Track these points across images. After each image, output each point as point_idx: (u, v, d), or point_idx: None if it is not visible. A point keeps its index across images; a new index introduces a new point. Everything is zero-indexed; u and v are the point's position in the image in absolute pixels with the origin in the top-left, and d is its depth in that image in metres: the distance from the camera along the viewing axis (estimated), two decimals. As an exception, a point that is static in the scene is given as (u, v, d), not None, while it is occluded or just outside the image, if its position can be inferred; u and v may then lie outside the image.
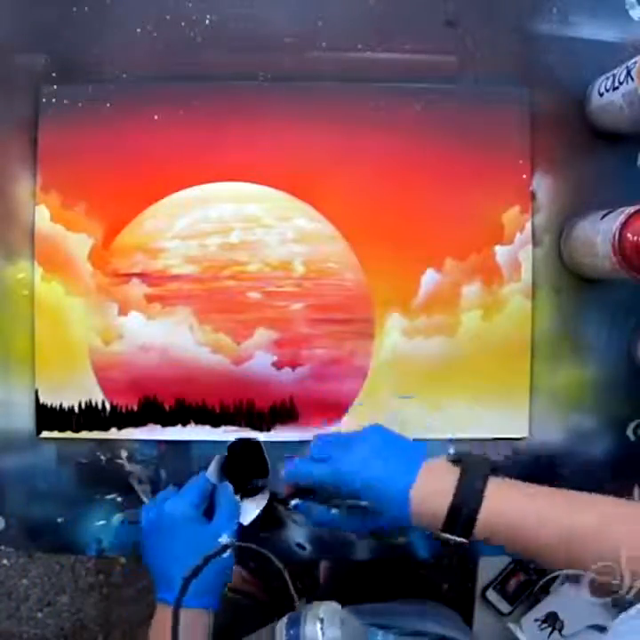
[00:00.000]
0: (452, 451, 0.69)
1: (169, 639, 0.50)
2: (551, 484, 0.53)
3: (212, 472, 0.62)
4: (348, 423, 0.69)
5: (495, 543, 0.50)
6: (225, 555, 0.55)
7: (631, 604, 0.43)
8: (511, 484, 0.52)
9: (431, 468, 0.52)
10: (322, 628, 0.44)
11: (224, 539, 0.57)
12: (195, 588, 0.52)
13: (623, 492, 0.70)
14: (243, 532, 0.60)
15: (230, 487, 0.61)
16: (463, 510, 0.49)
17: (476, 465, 0.52)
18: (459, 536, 0.50)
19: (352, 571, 0.90)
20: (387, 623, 0.61)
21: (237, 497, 0.62)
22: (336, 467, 0.53)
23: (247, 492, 0.63)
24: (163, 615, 0.56)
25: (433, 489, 0.51)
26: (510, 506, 0.50)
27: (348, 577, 0.91)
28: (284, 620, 0.47)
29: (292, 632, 0.45)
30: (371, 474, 0.52)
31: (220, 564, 0.56)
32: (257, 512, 0.62)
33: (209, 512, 0.60)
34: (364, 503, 0.53)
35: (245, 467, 0.63)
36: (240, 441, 0.64)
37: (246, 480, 0.63)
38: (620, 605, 0.45)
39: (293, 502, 0.58)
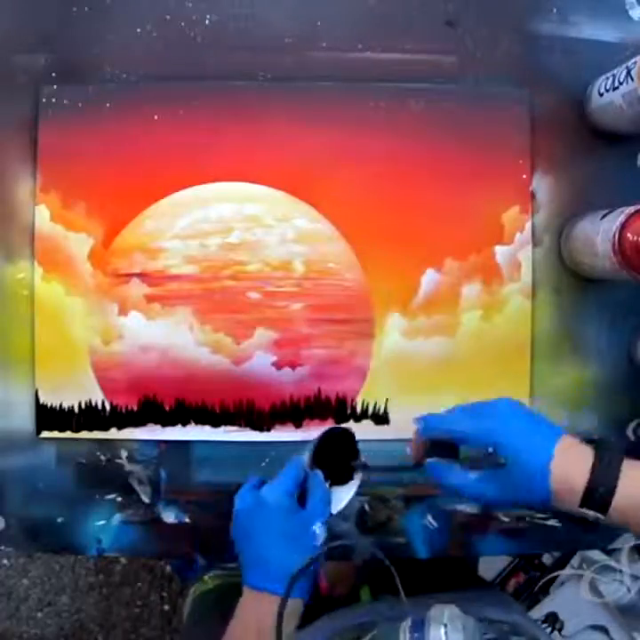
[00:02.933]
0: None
1: (259, 625, 0.51)
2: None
3: (305, 459, 0.62)
4: (348, 424, 0.69)
5: (626, 523, 0.50)
6: (315, 545, 0.56)
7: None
8: None
9: (568, 444, 0.51)
10: (446, 633, 0.45)
11: (317, 527, 0.57)
12: (287, 578, 0.52)
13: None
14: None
15: (322, 476, 0.60)
16: (599, 489, 0.49)
17: (611, 445, 0.51)
18: (595, 511, 0.49)
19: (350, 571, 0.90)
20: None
21: (327, 484, 0.61)
22: (481, 423, 0.52)
23: (336, 480, 0.62)
24: (252, 601, 0.56)
25: (571, 464, 0.50)
26: None
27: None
28: (408, 622, 0.47)
29: (416, 636, 0.45)
30: (515, 433, 0.51)
31: (310, 555, 0.56)
32: (346, 501, 0.61)
33: (301, 499, 0.60)
34: (501, 461, 0.51)
35: (336, 455, 0.62)
36: (333, 429, 0.63)
37: (337, 468, 0.62)
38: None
39: (430, 460, 0.56)
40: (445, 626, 0.45)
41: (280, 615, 0.51)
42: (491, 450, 0.51)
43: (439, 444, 0.56)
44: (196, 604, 0.85)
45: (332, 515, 0.60)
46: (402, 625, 0.47)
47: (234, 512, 0.61)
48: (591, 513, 0.49)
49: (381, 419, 0.69)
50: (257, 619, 0.54)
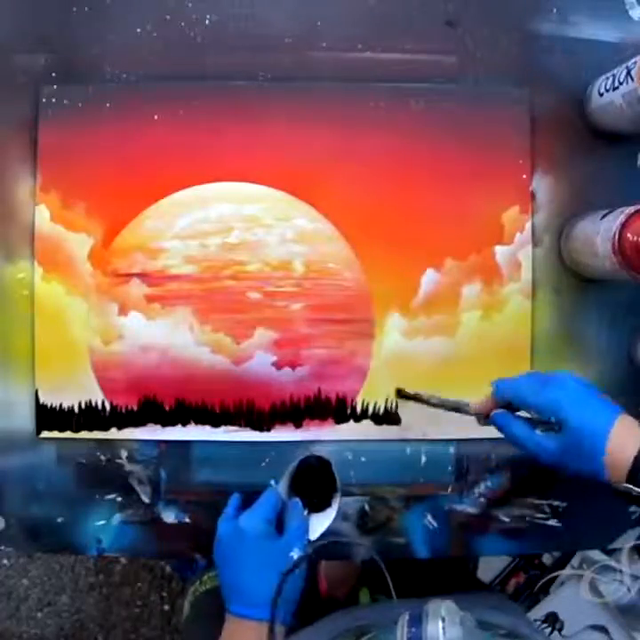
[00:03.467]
0: (452, 450, 0.69)
1: None
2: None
3: (282, 487, 0.63)
4: (348, 424, 0.69)
5: None
6: (297, 571, 0.57)
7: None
8: None
9: (626, 421, 0.53)
10: (443, 627, 0.45)
11: (295, 553, 0.59)
12: (269, 605, 0.54)
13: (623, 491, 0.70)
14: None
15: (300, 503, 0.63)
16: None
17: None
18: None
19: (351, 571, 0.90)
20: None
21: (305, 512, 0.63)
22: (550, 391, 0.54)
23: (314, 507, 0.64)
24: (236, 627, 0.58)
25: (626, 440, 0.52)
26: None
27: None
28: (405, 617, 0.47)
29: (414, 630, 0.46)
30: (579, 408, 0.53)
31: (293, 581, 0.57)
32: (324, 528, 0.63)
33: (278, 526, 0.62)
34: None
35: (313, 482, 0.64)
36: (309, 458, 0.65)
37: (314, 496, 0.64)
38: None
39: (497, 411, 0.58)
40: (443, 620, 0.45)
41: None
42: (553, 419, 0.54)
43: (507, 407, 0.58)
44: (194, 604, 0.85)
45: (310, 541, 0.61)
46: (399, 619, 0.47)
47: (215, 539, 0.62)
48: (636, 489, 0.50)
49: (382, 419, 0.69)
50: None
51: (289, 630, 0.60)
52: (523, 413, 0.58)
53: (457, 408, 0.62)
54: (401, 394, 0.68)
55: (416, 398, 0.66)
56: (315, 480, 0.64)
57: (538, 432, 0.56)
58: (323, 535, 0.63)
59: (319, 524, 0.63)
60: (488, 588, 0.99)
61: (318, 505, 0.64)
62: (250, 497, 0.65)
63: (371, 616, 0.67)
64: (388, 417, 0.69)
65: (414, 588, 0.68)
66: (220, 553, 0.61)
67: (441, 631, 0.44)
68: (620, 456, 0.51)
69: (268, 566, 0.57)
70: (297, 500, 0.63)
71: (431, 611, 0.46)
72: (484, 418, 0.60)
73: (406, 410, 0.69)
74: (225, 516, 0.64)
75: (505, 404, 0.58)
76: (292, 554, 0.58)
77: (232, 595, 0.59)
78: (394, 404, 0.69)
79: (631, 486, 0.51)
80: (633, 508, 0.70)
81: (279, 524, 0.62)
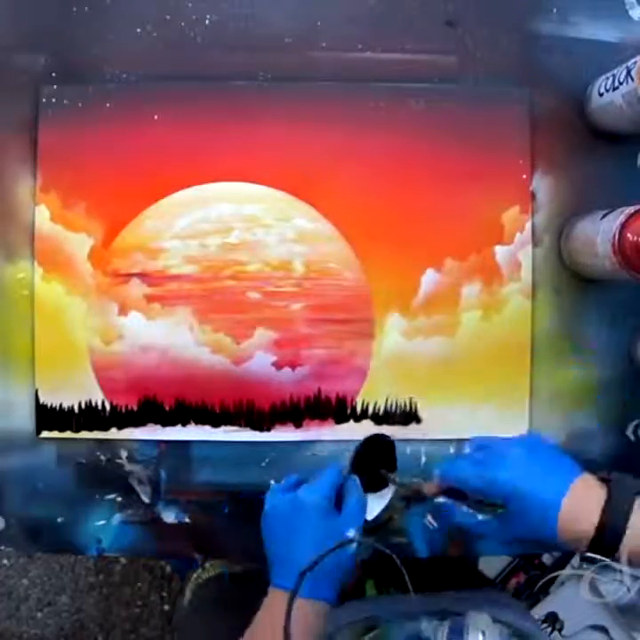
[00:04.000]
0: (452, 450, 0.69)
1: (281, 626, 0.50)
2: (602, 479, 0.52)
3: (346, 464, 0.62)
4: (348, 424, 0.69)
5: (637, 565, 0.49)
6: (348, 550, 0.56)
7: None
8: None
9: (582, 485, 0.52)
10: None
11: (351, 533, 0.57)
12: (313, 579, 0.52)
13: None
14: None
15: (359, 482, 0.61)
16: (608, 532, 0.49)
17: (624, 485, 0.51)
18: (603, 556, 0.49)
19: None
20: (462, 611, 0.61)
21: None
22: (491, 474, 0.53)
23: (372, 487, 0.62)
24: (276, 601, 0.55)
25: (581, 507, 0.50)
26: None
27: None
28: (445, 629, 0.47)
29: None
30: (525, 484, 0.52)
31: (340, 558, 0.55)
32: (380, 508, 0.62)
33: (336, 504, 0.60)
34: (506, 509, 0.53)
35: (373, 462, 0.63)
36: (374, 437, 0.63)
37: (373, 475, 0.63)
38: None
39: (440, 499, 0.58)
40: (483, 634, 0.46)
41: (288, 612, 0.50)
42: (500, 502, 0.53)
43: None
44: (196, 591, 0.85)
45: (366, 521, 0.60)
46: (439, 629, 0.48)
47: (264, 511, 0.60)
48: (598, 558, 0.49)
49: (382, 419, 0.69)
50: (277, 620, 0.52)
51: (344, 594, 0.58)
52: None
53: (408, 496, 0.63)
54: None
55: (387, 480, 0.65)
56: (374, 460, 0.63)
57: (479, 517, 0.55)
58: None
59: (376, 504, 0.62)
60: (492, 582, 0.99)
61: (376, 485, 0.63)
62: (242, 497, 0.64)
63: (378, 609, 0.67)
64: (388, 417, 0.69)
65: (416, 582, 0.68)
66: (272, 523, 0.59)
67: None
68: (573, 532, 0.50)
69: (322, 542, 0.55)
70: (356, 478, 0.61)
71: (472, 623, 0.46)
72: (427, 498, 0.60)
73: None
74: (277, 488, 0.62)
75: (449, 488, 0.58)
76: (348, 532, 0.57)
77: (279, 567, 0.57)
78: (394, 404, 0.69)
79: (593, 555, 0.49)
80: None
81: (337, 502, 0.60)
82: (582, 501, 0.50)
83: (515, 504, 0.52)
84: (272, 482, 0.68)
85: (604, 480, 0.52)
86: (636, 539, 0.48)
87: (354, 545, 0.56)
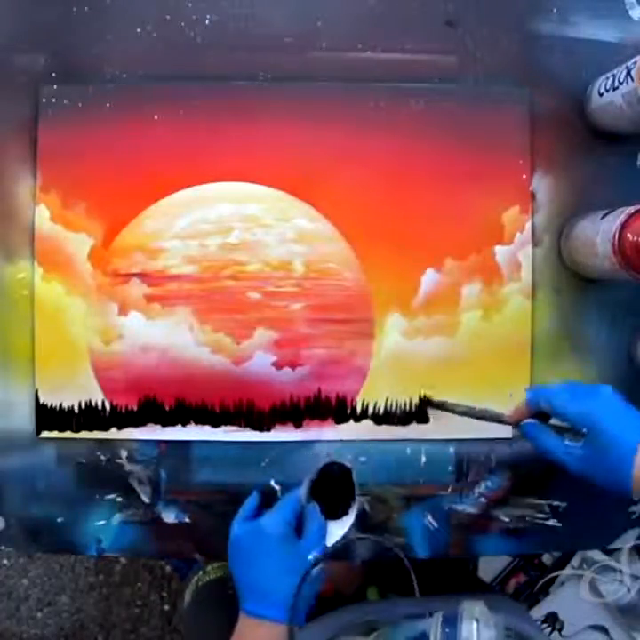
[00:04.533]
0: (452, 450, 0.69)
1: None
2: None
3: (302, 491, 0.64)
4: (348, 424, 0.69)
5: None
6: (314, 573, 0.58)
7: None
8: None
9: None
10: (478, 629, 0.45)
11: (313, 556, 0.59)
12: (288, 605, 0.55)
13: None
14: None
15: (318, 509, 0.63)
16: None
17: None
18: None
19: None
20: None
21: (323, 518, 0.63)
22: (583, 403, 0.55)
23: (331, 514, 0.64)
24: (251, 627, 0.58)
25: None
26: None
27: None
28: (439, 617, 0.47)
29: (447, 631, 0.46)
30: (610, 419, 0.53)
31: (309, 583, 0.58)
32: (341, 534, 0.63)
33: (297, 531, 0.62)
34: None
35: (333, 490, 0.65)
36: (332, 465, 0.65)
37: (332, 503, 0.64)
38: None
39: (527, 421, 0.59)
40: (477, 621, 0.45)
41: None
42: (585, 431, 0.54)
43: (540, 415, 0.58)
44: (197, 594, 0.86)
45: (326, 547, 0.61)
46: (432, 618, 0.48)
47: (229, 540, 0.62)
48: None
49: (382, 419, 0.69)
50: None
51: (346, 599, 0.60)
52: (555, 421, 0.58)
53: (486, 416, 0.63)
54: (427, 403, 0.68)
55: (443, 407, 0.66)
56: (334, 487, 0.65)
57: (566, 442, 0.56)
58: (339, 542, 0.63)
59: (336, 530, 0.64)
60: (489, 587, 0.99)
61: (335, 512, 0.64)
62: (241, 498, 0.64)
63: (379, 612, 0.68)
64: (388, 417, 0.69)
65: (403, 588, 0.68)
66: (237, 552, 0.61)
67: (475, 632, 0.45)
68: None
69: (286, 568, 0.58)
70: (316, 504, 0.63)
71: (466, 612, 0.46)
72: (515, 426, 0.60)
73: (427, 409, 0.69)
74: (241, 515, 0.64)
75: (537, 411, 0.58)
76: (309, 557, 0.59)
77: (248, 594, 0.59)
78: (394, 404, 0.69)
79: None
80: (633, 508, 0.70)
81: (298, 529, 0.62)
82: None
83: (598, 437, 0.53)
84: (272, 482, 0.68)
85: None
86: None
87: (318, 569, 0.59)
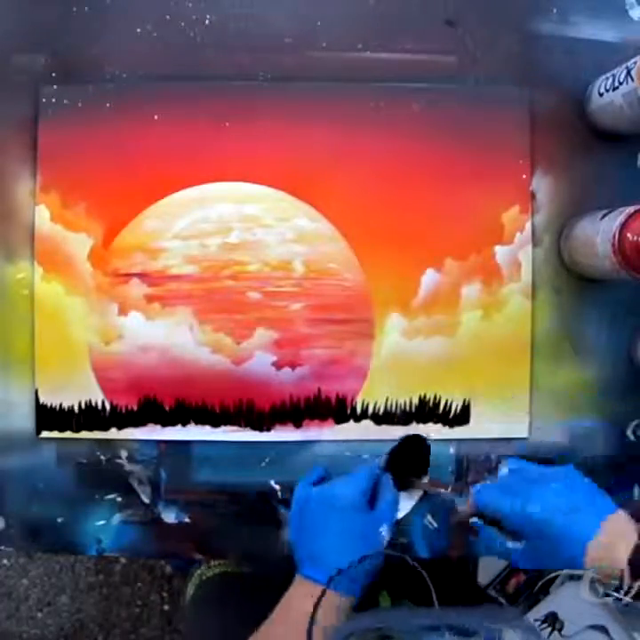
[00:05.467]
0: (452, 450, 0.69)
1: (307, 613, 0.51)
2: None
3: (380, 463, 0.63)
4: (348, 424, 0.69)
5: None
6: (380, 548, 0.57)
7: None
8: None
9: (612, 524, 0.52)
10: None
11: (384, 529, 0.58)
12: (346, 575, 0.53)
13: (623, 492, 0.70)
14: None
15: (392, 480, 0.62)
16: (636, 571, 0.49)
17: None
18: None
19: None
20: (472, 627, 0.62)
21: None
22: (524, 507, 0.54)
23: (403, 486, 0.63)
24: (305, 590, 0.56)
25: (612, 548, 0.51)
26: None
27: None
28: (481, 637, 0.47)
29: None
30: (555, 520, 0.52)
31: (374, 556, 0.57)
32: (410, 507, 0.63)
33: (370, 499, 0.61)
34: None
35: (407, 461, 0.64)
36: (411, 437, 0.65)
37: (404, 475, 0.64)
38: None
39: (474, 520, 0.59)
40: None
41: (317, 604, 0.52)
42: (526, 533, 0.54)
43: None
44: (200, 587, 0.85)
45: (397, 520, 0.61)
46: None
47: (295, 502, 0.61)
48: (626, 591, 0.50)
49: (382, 419, 0.69)
50: (308, 609, 0.53)
51: (356, 605, 0.59)
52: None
53: (446, 498, 0.64)
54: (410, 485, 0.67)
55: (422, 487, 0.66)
56: (407, 460, 0.64)
57: (511, 545, 0.56)
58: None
59: (406, 503, 0.63)
60: (485, 593, 1.00)
61: (406, 484, 0.64)
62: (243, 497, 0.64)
63: (392, 621, 0.67)
64: (388, 417, 0.69)
65: (416, 594, 0.68)
66: (305, 515, 0.60)
67: None
68: (604, 562, 0.50)
69: (356, 538, 0.56)
70: (390, 475, 0.62)
71: (507, 633, 0.46)
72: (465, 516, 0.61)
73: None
74: (307, 480, 0.63)
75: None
76: (380, 529, 0.58)
77: (309, 559, 0.58)
78: (394, 404, 0.69)
79: (616, 594, 0.51)
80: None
81: (371, 498, 0.61)
82: (612, 540, 0.51)
83: (544, 537, 0.52)
84: (272, 482, 0.68)
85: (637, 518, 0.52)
86: None
87: (385, 543, 0.58)
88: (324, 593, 0.52)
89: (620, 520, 0.52)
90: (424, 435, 0.66)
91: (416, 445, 0.65)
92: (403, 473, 0.64)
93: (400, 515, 0.62)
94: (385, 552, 0.56)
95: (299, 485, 0.62)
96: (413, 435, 0.65)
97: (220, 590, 0.82)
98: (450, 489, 0.63)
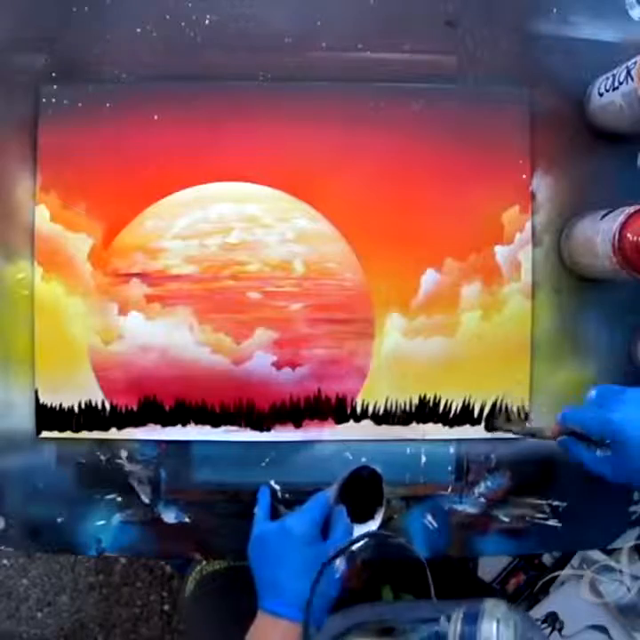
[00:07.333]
0: (452, 450, 0.69)
1: None
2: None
3: (332, 494, 0.63)
4: (348, 424, 0.69)
5: None
6: (334, 576, 0.58)
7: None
8: None
9: None
10: (498, 628, 0.45)
11: (338, 561, 0.59)
12: (313, 606, 0.54)
13: (623, 492, 0.70)
14: None
15: (345, 511, 0.63)
16: None
17: None
18: None
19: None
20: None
21: (349, 521, 0.63)
22: (608, 416, 0.55)
23: (357, 517, 0.64)
24: (269, 625, 0.58)
25: None
26: None
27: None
28: (460, 613, 0.47)
29: (466, 629, 0.46)
30: (635, 426, 0.54)
31: (329, 585, 0.58)
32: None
33: (323, 531, 0.62)
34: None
35: (361, 494, 0.65)
36: (362, 469, 0.65)
37: (359, 507, 0.64)
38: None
39: (563, 438, 0.60)
40: (498, 621, 0.45)
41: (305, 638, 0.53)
42: (611, 442, 0.55)
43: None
44: (200, 583, 0.86)
45: (352, 552, 0.61)
46: (453, 615, 0.47)
47: (252, 538, 0.62)
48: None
49: (382, 419, 0.69)
50: None
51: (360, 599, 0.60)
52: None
53: (533, 434, 0.64)
54: (492, 426, 0.68)
55: (505, 429, 0.67)
56: (362, 491, 0.65)
57: (598, 453, 0.57)
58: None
59: (363, 532, 0.63)
60: (491, 589, 0.99)
61: (361, 516, 0.64)
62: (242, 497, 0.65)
63: (392, 613, 0.68)
64: (388, 417, 0.69)
65: (416, 588, 0.69)
66: (261, 551, 0.61)
67: (495, 632, 0.45)
68: None
69: (310, 569, 0.57)
70: (343, 507, 0.63)
71: (488, 610, 0.46)
72: (553, 438, 0.61)
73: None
74: (260, 516, 0.64)
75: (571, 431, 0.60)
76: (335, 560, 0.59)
77: (269, 592, 0.59)
78: (394, 404, 0.69)
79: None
80: (633, 508, 0.70)
81: (323, 530, 0.62)
82: None
83: (627, 443, 0.54)
84: (272, 482, 0.68)
85: None
86: None
87: (340, 572, 0.59)
88: (307, 631, 0.53)
89: None
90: (374, 467, 0.66)
91: (368, 476, 0.65)
92: (357, 504, 0.64)
93: (355, 546, 0.61)
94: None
95: (254, 522, 0.63)
96: (361, 466, 0.65)
97: (219, 585, 0.82)
98: (398, 511, 0.63)
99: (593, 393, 0.60)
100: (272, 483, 0.68)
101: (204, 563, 0.86)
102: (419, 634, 0.51)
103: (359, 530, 0.63)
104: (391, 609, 0.72)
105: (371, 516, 0.64)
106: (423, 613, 0.57)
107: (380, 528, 0.64)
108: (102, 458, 0.69)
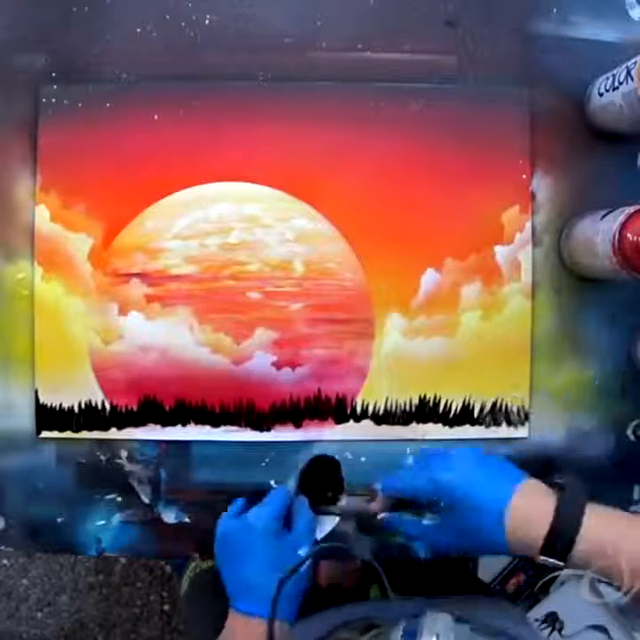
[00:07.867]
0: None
1: None
2: (551, 484, 0.53)
3: (291, 486, 0.64)
4: (348, 424, 0.69)
5: (589, 568, 0.49)
6: (303, 568, 0.57)
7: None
8: (609, 512, 0.50)
9: (528, 489, 0.52)
10: None
11: (303, 551, 0.58)
12: (281, 601, 0.54)
13: (623, 492, 0.70)
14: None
15: (307, 502, 0.62)
16: (561, 537, 0.48)
17: (574, 490, 0.51)
18: (556, 560, 0.49)
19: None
20: (461, 615, 0.61)
21: (311, 512, 0.63)
22: (436, 476, 0.54)
23: (321, 507, 0.64)
24: (240, 624, 0.57)
25: (530, 511, 0.50)
26: (608, 533, 0.48)
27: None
28: (399, 630, 0.47)
29: None
30: (469, 485, 0.52)
31: (297, 579, 0.57)
32: (329, 528, 0.63)
33: (286, 523, 0.61)
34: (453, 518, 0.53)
35: (321, 483, 0.65)
36: (319, 457, 0.65)
37: (321, 496, 0.64)
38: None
39: (381, 515, 0.59)
40: (437, 637, 0.45)
41: (270, 636, 0.52)
42: (442, 504, 0.53)
43: (402, 500, 0.58)
44: (195, 580, 0.86)
45: (316, 541, 0.61)
46: (393, 632, 0.47)
47: (216, 538, 0.61)
48: (551, 560, 0.49)
49: (382, 419, 0.69)
50: None
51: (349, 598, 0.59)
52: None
53: (357, 511, 0.63)
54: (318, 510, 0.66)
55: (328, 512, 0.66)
56: (322, 480, 0.65)
57: (425, 522, 0.55)
58: (328, 535, 0.63)
59: (325, 524, 0.63)
60: (488, 589, 1.00)
61: (323, 504, 0.64)
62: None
63: (378, 610, 0.68)
64: (388, 417, 0.69)
65: (415, 588, 0.69)
66: (224, 549, 0.61)
67: None
68: (524, 534, 0.49)
69: (275, 563, 0.57)
70: (304, 498, 0.63)
71: (427, 625, 0.46)
72: (376, 516, 0.60)
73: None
74: (228, 514, 0.63)
75: (397, 500, 0.58)
76: (299, 552, 0.58)
77: (238, 591, 0.59)
78: (394, 404, 0.69)
79: (547, 558, 0.49)
80: (633, 508, 0.70)
81: (286, 522, 0.61)
82: (531, 506, 0.50)
83: (460, 505, 0.52)
84: (272, 482, 0.69)
85: (553, 485, 0.52)
86: (588, 543, 0.48)
87: (307, 565, 0.58)
88: (271, 627, 0.53)
89: (533, 485, 0.52)
90: (332, 455, 0.66)
91: (327, 465, 0.65)
92: (318, 493, 0.64)
93: (321, 535, 0.62)
94: (294, 570, 0.56)
95: (219, 520, 0.62)
96: (319, 455, 0.65)
97: (214, 581, 0.82)
98: (368, 499, 0.62)
99: (411, 458, 0.59)
100: (272, 483, 0.68)
101: (198, 560, 0.85)
102: (400, 630, 0.50)
103: (323, 519, 0.63)
104: (376, 606, 0.72)
105: (333, 504, 0.64)
106: (407, 610, 0.57)
107: (353, 518, 0.63)
108: (102, 458, 0.69)
